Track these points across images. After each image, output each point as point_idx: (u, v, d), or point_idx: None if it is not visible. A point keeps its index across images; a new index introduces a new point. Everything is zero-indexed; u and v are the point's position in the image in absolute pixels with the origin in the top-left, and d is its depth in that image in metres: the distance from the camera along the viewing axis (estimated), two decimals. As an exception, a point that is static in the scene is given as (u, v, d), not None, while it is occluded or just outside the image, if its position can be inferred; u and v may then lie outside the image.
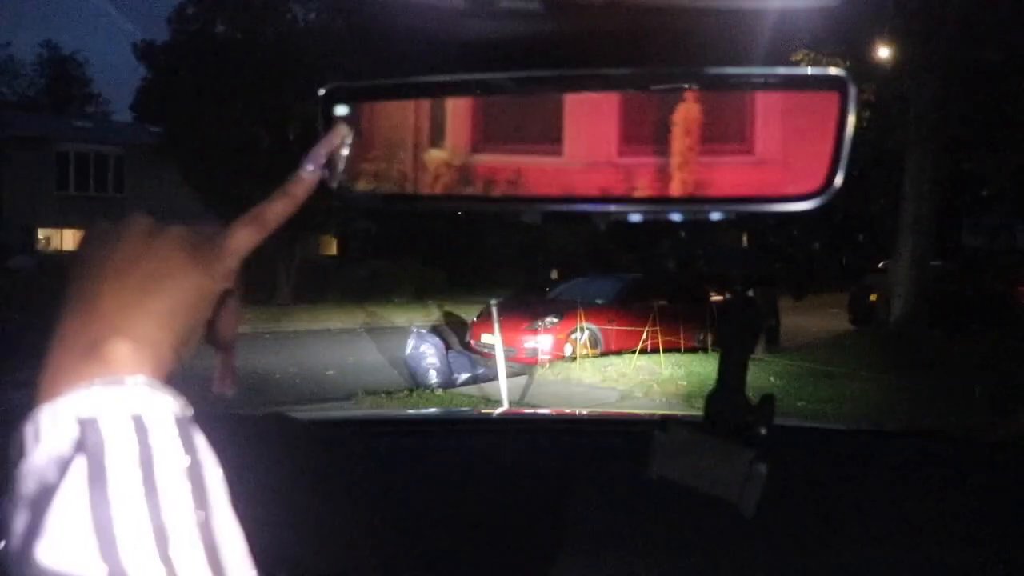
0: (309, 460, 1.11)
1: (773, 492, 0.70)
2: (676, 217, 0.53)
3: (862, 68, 11.10)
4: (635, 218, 0.53)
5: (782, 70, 0.53)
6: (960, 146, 12.57)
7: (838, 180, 0.50)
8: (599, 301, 10.91)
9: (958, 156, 12.85)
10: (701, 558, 0.91)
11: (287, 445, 1.16)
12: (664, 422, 0.74)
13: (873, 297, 14.65)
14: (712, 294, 10.46)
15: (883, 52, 11.76)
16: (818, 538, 0.95)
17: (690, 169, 0.52)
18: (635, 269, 13.97)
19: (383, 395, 7.53)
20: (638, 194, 0.52)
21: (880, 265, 16.46)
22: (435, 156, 0.56)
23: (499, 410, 3.27)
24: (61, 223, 24.50)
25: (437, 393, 7.81)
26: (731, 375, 0.75)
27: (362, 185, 0.57)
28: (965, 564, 0.92)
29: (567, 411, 2.59)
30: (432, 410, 5.11)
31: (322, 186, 0.54)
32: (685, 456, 0.72)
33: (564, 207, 0.54)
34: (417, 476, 1.08)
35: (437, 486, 1.04)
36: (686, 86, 0.53)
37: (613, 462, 1.06)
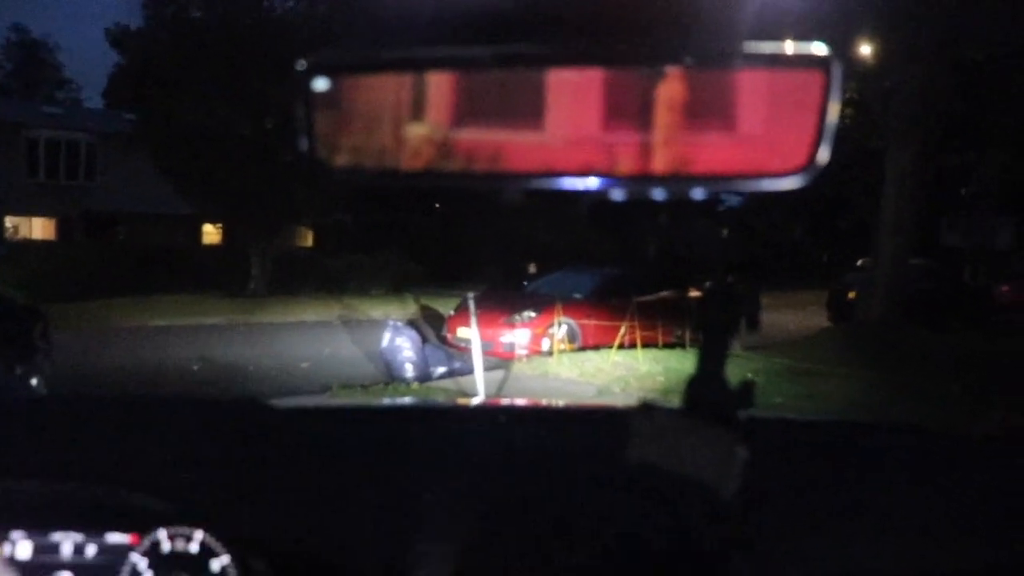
0: (281, 446, 1.10)
1: (751, 482, 0.69)
2: (659, 195, 0.53)
3: (844, 65, 11.13)
4: (617, 195, 0.53)
5: (766, 47, 0.52)
6: (943, 142, 12.59)
7: (822, 157, 0.50)
8: (577, 295, 10.92)
9: (940, 153, 12.87)
10: (682, 544, 0.91)
11: (260, 431, 1.14)
12: (644, 407, 0.74)
13: (851, 294, 14.82)
14: (691, 289, 10.50)
15: (865, 49, 11.78)
16: (793, 529, 0.95)
17: (673, 146, 0.51)
18: (613, 263, 13.98)
19: (358, 388, 7.48)
20: (621, 170, 0.52)
21: (859, 263, 16.62)
22: (416, 131, 0.55)
23: (476, 399, 3.25)
24: (31, 211, 23.98)
25: (413, 386, 7.78)
26: (711, 360, 0.74)
27: (341, 160, 0.56)
28: (942, 557, 0.93)
29: (544, 402, 2.59)
30: (408, 399, 5.08)
31: (302, 165, 0.53)
32: (666, 440, 0.72)
33: (546, 183, 0.53)
34: (394, 463, 1.07)
35: (414, 473, 1.04)
36: (670, 63, 0.52)
37: (592, 450, 1.06)
